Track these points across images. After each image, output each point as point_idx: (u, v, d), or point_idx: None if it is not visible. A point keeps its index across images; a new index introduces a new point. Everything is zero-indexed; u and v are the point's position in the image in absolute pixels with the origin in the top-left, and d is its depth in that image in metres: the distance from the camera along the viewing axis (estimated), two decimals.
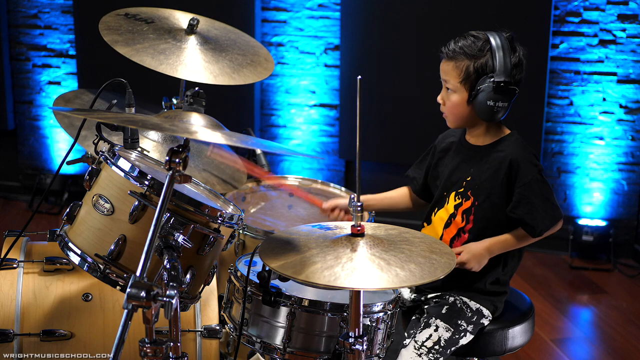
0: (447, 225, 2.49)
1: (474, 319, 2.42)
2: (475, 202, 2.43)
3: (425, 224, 2.56)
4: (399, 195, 2.75)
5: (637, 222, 4.54)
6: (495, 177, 2.41)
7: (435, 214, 2.53)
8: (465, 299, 2.45)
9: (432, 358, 2.32)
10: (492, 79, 2.34)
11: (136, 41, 2.58)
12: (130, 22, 2.65)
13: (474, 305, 2.44)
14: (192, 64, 2.59)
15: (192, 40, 2.67)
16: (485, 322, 2.44)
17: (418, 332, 2.38)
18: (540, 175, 2.41)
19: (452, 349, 2.38)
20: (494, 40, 2.37)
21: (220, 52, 2.70)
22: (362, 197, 2.60)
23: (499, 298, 2.49)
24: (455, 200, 2.48)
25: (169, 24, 2.72)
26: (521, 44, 2.47)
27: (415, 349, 2.33)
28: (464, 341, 2.39)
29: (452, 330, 2.38)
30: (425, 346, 2.34)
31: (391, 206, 2.76)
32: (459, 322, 2.40)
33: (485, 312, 2.44)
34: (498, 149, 2.44)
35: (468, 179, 2.46)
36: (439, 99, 2.48)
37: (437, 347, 2.34)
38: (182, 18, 2.77)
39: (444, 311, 2.42)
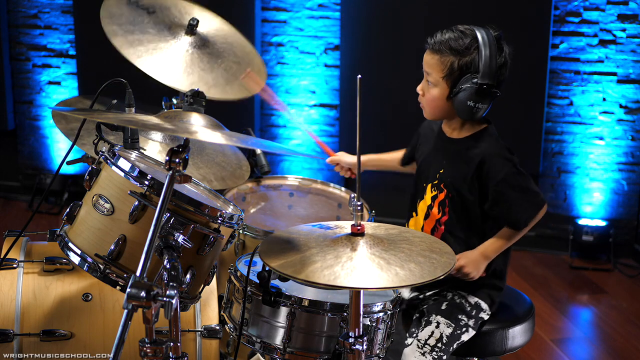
0: (427, 216, 2.49)
1: (474, 313, 2.42)
2: (449, 195, 2.43)
3: (413, 214, 2.57)
4: (395, 157, 2.82)
5: (637, 222, 4.54)
6: (465, 173, 2.41)
7: (418, 205, 2.54)
8: (463, 293, 2.45)
9: (436, 356, 2.32)
10: (475, 80, 2.32)
11: (136, 42, 2.58)
12: (131, 11, 2.63)
13: (472, 299, 2.44)
14: (189, 73, 2.58)
15: (191, 42, 2.66)
16: (485, 316, 2.44)
17: (420, 330, 2.38)
18: (516, 168, 2.39)
19: (455, 345, 2.38)
20: (481, 38, 2.33)
21: (217, 58, 2.69)
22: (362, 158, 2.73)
23: (496, 292, 2.49)
24: (431, 192, 2.48)
25: (170, 17, 2.70)
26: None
27: (419, 347, 2.33)
28: (465, 337, 2.39)
29: (454, 325, 2.38)
30: (429, 344, 2.34)
31: (385, 167, 2.87)
32: (460, 316, 2.40)
33: (484, 305, 2.44)
34: (471, 144, 2.43)
35: (441, 171, 2.47)
36: (419, 89, 2.46)
37: (439, 344, 2.34)
38: (184, 10, 2.74)
39: (443, 307, 2.42)
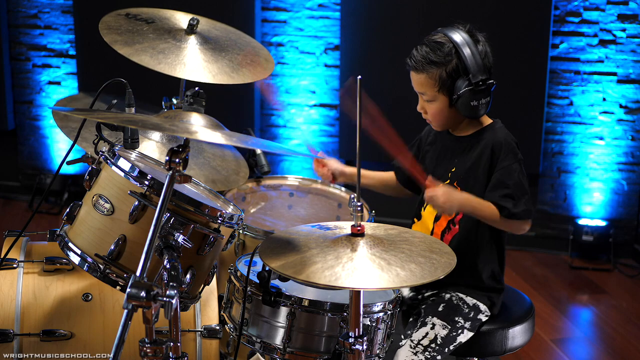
0: (437, 218, 2.49)
1: (471, 315, 2.41)
2: (462, 192, 2.43)
3: (415, 220, 2.56)
4: (388, 178, 2.74)
5: (637, 222, 4.54)
6: (478, 164, 2.41)
7: (424, 209, 2.53)
8: (461, 295, 2.45)
9: (429, 356, 2.32)
10: (468, 82, 2.34)
11: (135, 40, 2.58)
12: (130, 22, 2.65)
13: (470, 300, 2.44)
14: (191, 63, 2.58)
15: (192, 40, 2.67)
16: (483, 317, 2.43)
17: (414, 330, 2.37)
18: (520, 165, 2.39)
19: (451, 347, 2.37)
20: (458, 41, 2.36)
21: (220, 51, 2.70)
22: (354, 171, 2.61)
23: (496, 294, 2.49)
24: None
25: (169, 24, 2.72)
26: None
27: (411, 347, 2.33)
28: (462, 338, 2.38)
29: (449, 327, 2.37)
30: (422, 344, 2.33)
31: (377, 187, 2.75)
32: (456, 318, 2.39)
33: (482, 307, 2.44)
34: (481, 137, 2.44)
35: (453, 170, 2.46)
36: (419, 109, 2.49)
37: (433, 345, 2.33)
38: (182, 19, 2.77)
39: (440, 309, 2.41)
